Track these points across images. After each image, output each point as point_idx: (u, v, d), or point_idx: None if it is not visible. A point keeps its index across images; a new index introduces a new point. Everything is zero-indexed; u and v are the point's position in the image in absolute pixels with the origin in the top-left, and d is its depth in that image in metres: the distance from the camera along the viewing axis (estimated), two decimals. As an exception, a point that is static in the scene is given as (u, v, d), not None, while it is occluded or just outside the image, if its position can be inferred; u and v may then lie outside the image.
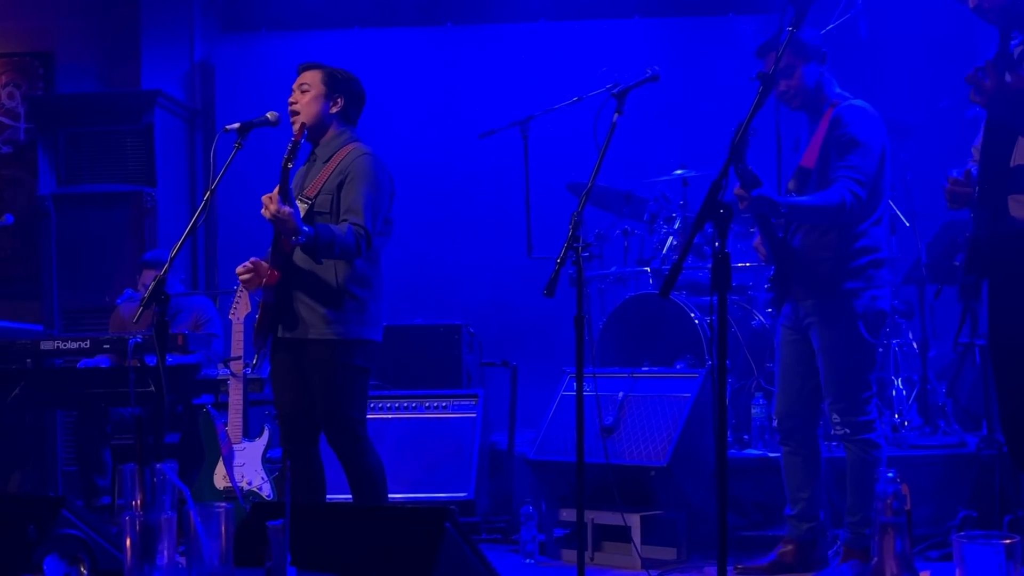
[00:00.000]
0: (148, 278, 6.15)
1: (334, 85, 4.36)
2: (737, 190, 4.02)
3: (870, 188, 4.25)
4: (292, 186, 4.25)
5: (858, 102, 4.37)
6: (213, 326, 6.35)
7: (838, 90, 4.43)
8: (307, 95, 4.34)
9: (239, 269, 4.29)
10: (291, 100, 4.36)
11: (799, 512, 4.52)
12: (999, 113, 3.30)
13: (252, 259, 4.31)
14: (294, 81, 4.40)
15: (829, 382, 4.35)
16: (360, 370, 4.28)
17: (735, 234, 5.97)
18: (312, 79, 4.36)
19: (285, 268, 4.22)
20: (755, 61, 4.40)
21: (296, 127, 4.31)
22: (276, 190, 4.02)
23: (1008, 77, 3.19)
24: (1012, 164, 3.37)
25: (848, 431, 4.33)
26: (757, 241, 4.50)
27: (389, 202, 4.33)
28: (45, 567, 2.31)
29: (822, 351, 4.35)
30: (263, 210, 4.00)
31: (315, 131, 4.35)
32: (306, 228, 4.02)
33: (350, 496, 4.37)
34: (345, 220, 4.16)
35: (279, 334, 4.28)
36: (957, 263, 3.54)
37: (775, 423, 4.59)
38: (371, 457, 4.29)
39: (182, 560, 2.08)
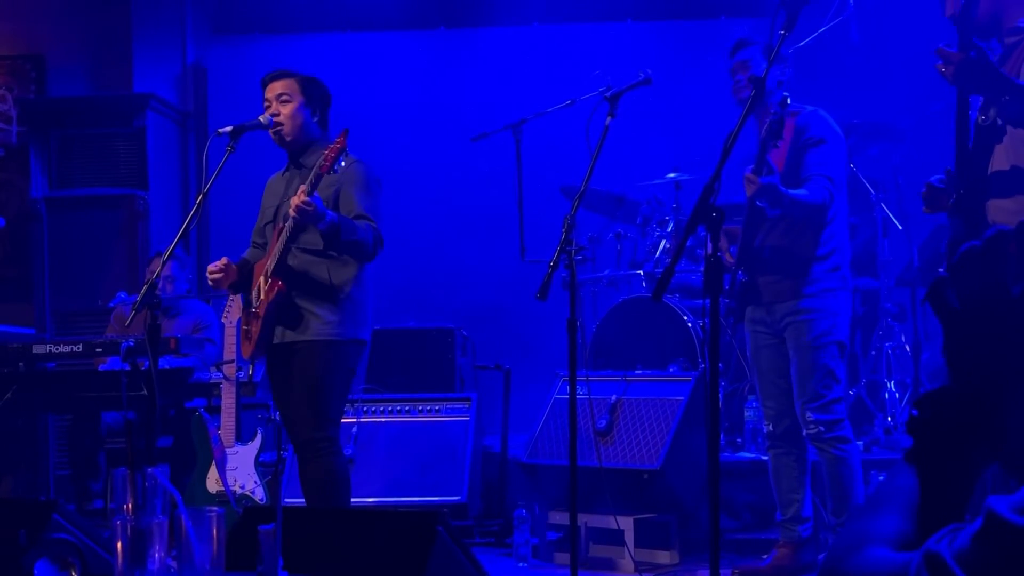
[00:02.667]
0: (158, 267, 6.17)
1: (311, 93, 4.34)
2: (748, 174, 4.06)
3: (838, 186, 4.36)
4: (271, 195, 4.26)
5: (819, 110, 4.47)
6: (212, 332, 6.35)
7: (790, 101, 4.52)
8: (289, 106, 4.30)
9: (211, 268, 4.28)
10: (272, 112, 4.31)
11: (792, 515, 4.53)
12: (962, 84, 3.32)
13: (225, 259, 4.29)
14: (265, 90, 4.35)
15: (801, 382, 4.40)
16: (349, 372, 4.29)
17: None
18: (291, 88, 4.32)
19: (285, 275, 4.21)
20: (749, 65, 4.44)
21: (284, 134, 4.29)
22: (303, 189, 4.02)
23: (972, 52, 3.23)
24: (991, 170, 3.40)
25: (821, 429, 4.38)
26: (722, 244, 4.52)
27: (382, 205, 4.34)
28: (36, 571, 2.30)
29: (797, 352, 4.41)
30: (291, 209, 3.99)
31: (298, 141, 4.32)
32: (330, 213, 4.02)
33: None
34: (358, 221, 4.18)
35: (275, 340, 4.28)
36: (941, 272, 3.53)
37: (769, 428, 4.60)
38: (339, 459, 4.26)
39: (173, 564, 2.08)
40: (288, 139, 4.30)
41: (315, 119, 4.36)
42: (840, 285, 4.41)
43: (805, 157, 4.36)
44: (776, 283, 4.42)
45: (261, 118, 4.30)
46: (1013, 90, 3.29)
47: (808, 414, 4.38)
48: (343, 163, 4.14)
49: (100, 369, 5.63)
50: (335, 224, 4.02)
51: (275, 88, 4.34)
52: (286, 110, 4.30)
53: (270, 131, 4.31)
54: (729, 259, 4.50)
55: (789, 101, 4.02)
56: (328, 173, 4.04)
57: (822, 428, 4.37)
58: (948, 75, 3.29)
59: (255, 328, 4.25)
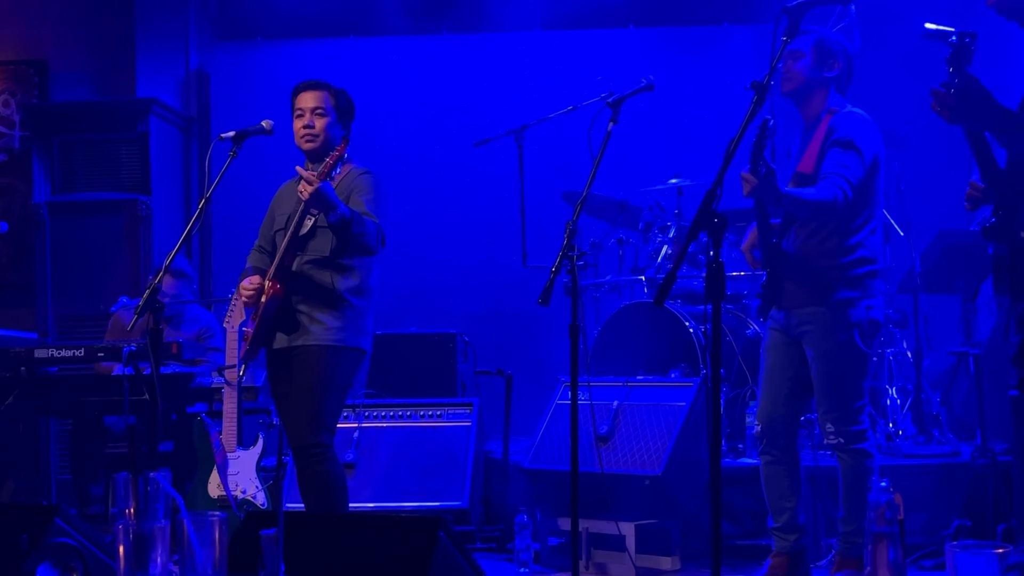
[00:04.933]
0: (168, 285, 6.18)
1: (342, 110, 4.38)
2: (745, 173, 3.99)
3: (858, 191, 4.24)
4: (283, 202, 4.27)
5: (857, 110, 4.38)
6: (216, 340, 6.35)
7: (840, 100, 4.43)
8: (324, 120, 4.34)
9: (247, 284, 4.27)
10: (305, 124, 4.32)
11: (784, 524, 4.42)
12: (965, 122, 3.31)
13: (259, 279, 4.29)
14: (297, 98, 4.36)
15: (823, 391, 4.32)
16: (348, 380, 4.28)
17: (729, 243, 5.98)
18: (325, 102, 4.34)
19: (286, 280, 4.22)
20: (750, 70, 4.39)
21: (311, 147, 4.30)
22: (311, 174, 4.01)
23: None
24: None
25: (842, 440, 4.30)
26: (746, 245, 4.48)
27: (390, 216, 4.36)
28: (38, 576, 2.30)
29: (817, 360, 4.32)
30: (301, 189, 3.99)
31: (323, 153, 4.33)
32: (343, 206, 4.03)
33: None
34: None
35: (276, 345, 4.28)
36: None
37: (757, 429, 4.49)
38: (334, 466, 4.23)
39: (175, 568, 2.08)
40: (313, 149, 4.31)
41: (343, 134, 4.39)
42: (861, 294, 4.29)
43: (827, 155, 4.26)
44: (795, 288, 4.34)
45: (264, 123, 4.31)
46: (1010, 122, 3.26)
47: (827, 424, 4.32)
48: (340, 171, 4.16)
49: (113, 374, 5.64)
50: (346, 217, 4.02)
51: (308, 99, 4.35)
52: (321, 123, 4.33)
53: (298, 138, 4.33)
54: (753, 260, 4.45)
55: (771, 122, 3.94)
56: (328, 178, 4.05)
57: (842, 440, 4.29)
58: (944, 116, 3.29)
59: (252, 329, 4.27)
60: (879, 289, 4.39)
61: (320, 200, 3.99)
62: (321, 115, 4.34)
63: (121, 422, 6.05)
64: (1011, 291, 3.43)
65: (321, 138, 4.32)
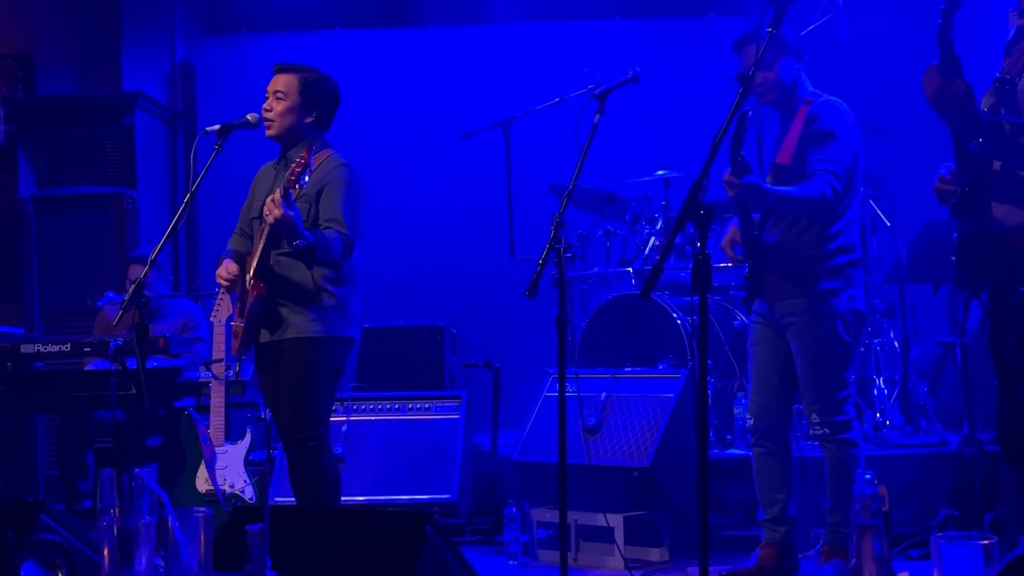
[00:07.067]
0: (135, 274, 6.14)
1: (310, 95, 4.28)
2: (727, 176, 3.99)
3: (845, 183, 4.26)
4: (262, 186, 4.24)
5: (833, 99, 4.38)
6: (200, 331, 6.34)
7: (811, 88, 4.43)
8: (282, 104, 4.26)
9: (223, 273, 4.25)
10: (266, 107, 4.28)
11: (775, 516, 4.45)
12: (940, 113, 3.35)
13: (236, 268, 4.27)
14: (269, 81, 4.33)
15: (808, 382, 4.33)
16: (334, 370, 4.27)
17: (716, 234, 5.98)
18: (288, 86, 4.26)
19: (267, 277, 4.20)
20: (737, 61, 4.39)
21: (270, 133, 4.27)
22: (278, 193, 3.95)
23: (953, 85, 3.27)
24: (994, 167, 3.40)
25: (827, 431, 4.32)
26: (725, 241, 4.48)
27: (363, 211, 4.33)
28: (23, 573, 2.29)
29: (801, 351, 4.33)
30: (266, 211, 3.96)
31: (287, 139, 4.30)
32: (307, 233, 3.99)
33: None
34: (329, 228, 4.15)
35: (261, 340, 4.27)
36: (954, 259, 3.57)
37: (750, 422, 4.52)
38: (329, 457, 4.24)
39: (161, 564, 2.07)
40: (273, 136, 4.29)
41: (308, 120, 4.30)
42: (843, 285, 4.31)
43: (810, 151, 4.27)
44: (777, 280, 4.34)
45: (249, 116, 4.28)
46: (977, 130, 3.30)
47: (812, 415, 4.33)
48: (312, 173, 4.10)
49: (87, 369, 5.62)
50: (310, 245, 3.98)
51: (274, 82, 4.30)
52: (278, 108, 4.27)
53: (265, 126, 4.30)
54: (733, 255, 4.45)
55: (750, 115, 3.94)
56: (294, 188, 4.00)
57: (827, 430, 4.31)
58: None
59: (241, 328, 4.25)
60: (860, 279, 4.40)
61: (284, 228, 3.95)
62: (280, 99, 4.26)
63: (109, 417, 6.04)
64: (971, 282, 3.44)
65: (277, 123, 4.26)
